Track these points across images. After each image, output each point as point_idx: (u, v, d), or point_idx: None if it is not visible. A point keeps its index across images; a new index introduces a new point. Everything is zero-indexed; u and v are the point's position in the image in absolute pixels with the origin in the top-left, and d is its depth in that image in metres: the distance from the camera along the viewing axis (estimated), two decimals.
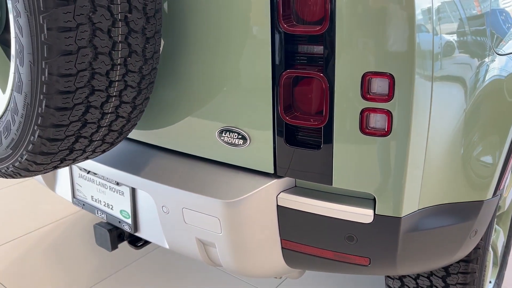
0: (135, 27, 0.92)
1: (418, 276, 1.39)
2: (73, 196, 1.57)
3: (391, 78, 0.90)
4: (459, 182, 1.09)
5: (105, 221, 1.51)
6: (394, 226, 1.02)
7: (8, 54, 1.05)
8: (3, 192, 2.80)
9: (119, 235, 1.55)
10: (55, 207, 2.60)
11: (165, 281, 1.97)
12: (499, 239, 1.72)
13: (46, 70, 0.83)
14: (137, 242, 1.59)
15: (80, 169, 1.47)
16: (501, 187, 1.19)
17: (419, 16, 0.86)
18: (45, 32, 0.80)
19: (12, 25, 0.86)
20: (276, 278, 1.57)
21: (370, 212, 1.02)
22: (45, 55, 0.82)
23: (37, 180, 1.70)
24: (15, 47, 0.87)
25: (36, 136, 0.92)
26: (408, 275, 1.41)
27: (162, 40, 1.12)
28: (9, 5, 0.85)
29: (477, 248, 1.28)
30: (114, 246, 1.54)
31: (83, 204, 1.54)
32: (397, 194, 0.99)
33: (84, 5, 0.81)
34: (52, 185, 1.66)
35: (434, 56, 0.92)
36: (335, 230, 1.07)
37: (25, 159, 0.98)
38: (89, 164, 1.39)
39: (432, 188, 1.05)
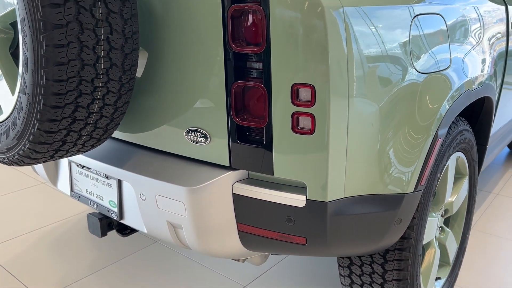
0: (115, 45, 1.18)
1: (362, 263, 1.59)
2: (71, 190, 1.82)
3: (312, 88, 1.14)
4: (381, 177, 1.31)
5: (97, 212, 1.76)
6: (322, 210, 1.24)
7: (17, 65, 1.32)
8: (13, 195, 3.08)
9: (108, 224, 1.80)
10: (58, 209, 2.87)
11: (155, 275, 2.20)
12: (448, 239, 1.90)
13: (44, 76, 1.10)
14: (123, 230, 1.83)
15: (77, 166, 1.73)
16: (422, 183, 1.40)
17: (331, 40, 1.10)
18: (44, 48, 1.07)
19: (20, 42, 1.13)
20: (238, 261, 1.77)
21: (302, 197, 1.25)
22: (43, 65, 1.09)
23: (43, 177, 1.96)
24: (22, 59, 1.14)
25: (35, 128, 1.18)
26: (354, 263, 1.61)
27: (140, 55, 1.38)
28: (19, 27, 1.12)
29: (409, 238, 1.49)
30: (103, 233, 1.79)
31: (79, 197, 1.79)
32: (322, 182, 1.21)
33: (74, 28, 1.08)
34: (54, 180, 1.92)
35: (349, 70, 1.15)
36: (277, 213, 1.30)
37: (27, 147, 1.24)
38: (84, 159, 1.65)
39: (356, 180, 1.27)
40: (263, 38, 1.16)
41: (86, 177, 1.72)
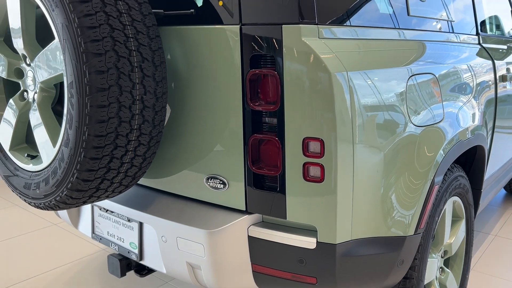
0: (148, 104, 1.34)
1: None
2: (93, 232, 1.94)
3: (321, 142, 1.29)
4: (384, 220, 1.44)
5: (117, 252, 1.87)
6: (332, 251, 1.36)
7: (58, 121, 1.48)
8: (25, 237, 3.18)
9: (127, 264, 1.91)
10: (71, 250, 2.96)
11: None
12: (448, 280, 2.00)
13: (86, 132, 1.25)
14: (141, 271, 1.93)
15: (100, 209, 1.86)
16: (422, 226, 1.53)
17: (338, 101, 1.27)
18: (88, 108, 1.23)
19: (66, 102, 1.29)
20: None
21: (313, 240, 1.37)
22: (87, 122, 1.24)
23: (65, 219, 2.08)
24: (67, 116, 1.29)
25: (74, 177, 1.32)
26: None
27: (167, 110, 1.54)
28: (65, 90, 1.28)
29: (411, 278, 1.60)
30: (123, 274, 1.89)
31: (100, 238, 1.91)
32: (332, 225, 1.34)
33: (114, 91, 1.25)
34: (76, 223, 2.04)
35: (353, 127, 1.31)
36: (290, 254, 1.42)
37: (65, 194, 1.37)
38: (107, 203, 1.78)
39: (362, 223, 1.40)
40: (277, 98, 1.32)
41: (108, 220, 1.85)
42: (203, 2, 1.44)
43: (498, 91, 2.29)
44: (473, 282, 2.60)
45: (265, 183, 1.43)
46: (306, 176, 1.34)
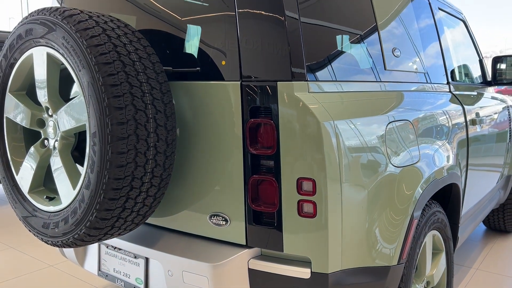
0: (160, 150, 1.52)
1: None
2: (99, 269, 2.06)
3: (313, 181, 1.48)
4: (370, 252, 1.61)
5: None
6: (324, 280, 1.52)
7: (77, 161, 1.64)
8: (23, 278, 3.23)
9: None
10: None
11: None
12: None
13: (107, 176, 1.42)
14: None
15: (107, 247, 1.99)
16: (404, 257, 1.70)
17: (326, 146, 1.46)
18: (109, 155, 1.40)
19: (88, 149, 1.47)
20: None
21: (308, 270, 1.53)
22: (107, 167, 1.41)
23: (71, 259, 2.20)
24: (89, 162, 1.46)
25: (93, 216, 1.48)
26: None
27: (175, 157, 1.72)
28: (88, 138, 1.46)
29: None
30: None
31: (106, 275, 2.02)
32: (324, 257, 1.51)
33: (132, 139, 1.43)
34: (82, 261, 2.15)
35: (340, 168, 1.50)
36: (286, 284, 1.57)
37: (83, 232, 1.52)
38: (115, 241, 1.91)
39: (350, 255, 1.57)
40: (274, 144, 1.52)
41: (115, 257, 1.98)
42: (208, 61, 1.66)
43: (469, 133, 2.53)
44: None
45: (263, 219, 1.60)
46: (300, 212, 1.51)
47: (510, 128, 3.61)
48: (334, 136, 1.50)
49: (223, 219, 1.66)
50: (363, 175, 1.59)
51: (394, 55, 2.02)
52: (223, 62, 1.60)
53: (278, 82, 1.50)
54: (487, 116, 2.96)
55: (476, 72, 3.35)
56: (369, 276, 1.61)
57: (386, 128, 1.72)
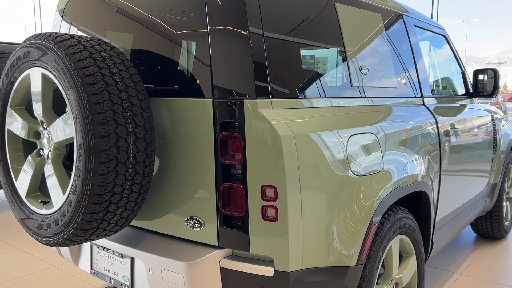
0: (139, 160, 1.71)
1: None
2: (91, 267, 2.25)
3: (275, 188, 1.65)
4: (329, 253, 1.78)
5: (112, 286, 2.17)
6: (286, 278, 1.68)
7: (67, 173, 1.83)
8: (28, 277, 3.44)
9: None
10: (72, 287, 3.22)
11: None
12: None
13: (91, 183, 1.61)
14: None
15: (98, 247, 2.18)
16: (363, 258, 1.86)
17: (286, 157, 1.63)
18: (93, 164, 1.59)
19: (75, 159, 1.66)
20: None
21: (271, 269, 1.70)
22: (91, 175, 1.60)
23: (67, 258, 2.39)
24: (75, 170, 1.65)
25: (80, 218, 1.67)
26: None
27: (154, 167, 1.91)
28: (75, 149, 1.65)
29: None
30: None
31: (97, 273, 2.21)
32: (285, 256, 1.67)
33: (113, 151, 1.61)
34: (76, 261, 2.34)
35: (300, 177, 1.67)
36: (253, 282, 1.73)
37: (71, 233, 1.71)
38: (105, 242, 2.10)
39: (311, 255, 1.73)
40: (241, 154, 1.70)
41: (105, 257, 2.16)
42: (185, 80, 1.85)
43: (442, 144, 2.67)
44: None
45: (233, 222, 1.77)
46: (264, 216, 1.68)
47: (495, 138, 3.73)
48: (294, 148, 1.67)
49: (198, 222, 1.84)
50: (322, 183, 1.75)
51: (362, 72, 2.18)
52: (198, 81, 1.79)
53: (244, 100, 1.68)
54: (465, 127, 3.10)
55: (458, 85, 3.49)
56: (328, 275, 1.77)
57: (347, 140, 1.89)
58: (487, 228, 4.19)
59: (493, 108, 4.00)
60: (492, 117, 3.76)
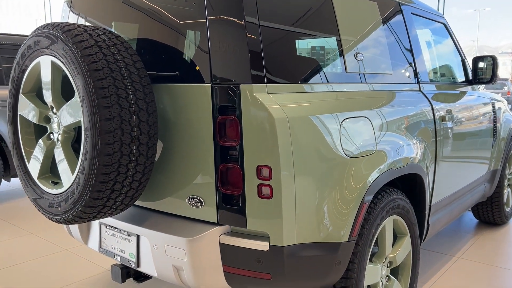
0: (143, 141, 1.81)
1: None
2: (100, 246, 2.37)
3: (270, 168, 1.75)
4: (322, 229, 1.88)
5: (119, 263, 2.30)
6: (280, 252, 1.79)
7: (76, 155, 1.95)
8: (41, 260, 3.60)
9: (127, 272, 2.33)
10: (79, 271, 3.38)
11: None
12: (393, 287, 2.39)
13: (97, 163, 1.72)
14: (139, 278, 2.36)
15: (106, 227, 2.30)
16: (354, 235, 1.95)
17: (280, 138, 1.73)
18: (99, 145, 1.71)
19: (83, 141, 1.77)
20: None
21: (266, 244, 1.80)
22: (98, 156, 1.72)
23: (77, 238, 2.52)
24: (83, 151, 1.77)
25: (87, 196, 1.79)
26: None
27: (157, 148, 2.02)
28: (82, 132, 1.77)
29: (350, 278, 2.01)
30: (123, 280, 2.32)
31: (106, 251, 2.34)
32: (279, 232, 1.78)
33: (118, 133, 1.72)
34: (86, 240, 2.48)
35: (294, 157, 1.77)
36: (250, 256, 1.84)
37: (80, 210, 1.83)
38: (112, 221, 2.22)
39: (304, 231, 1.84)
40: (238, 136, 1.80)
41: (112, 235, 2.29)
42: (185, 67, 1.95)
43: (438, 129, 2.75)
44: None
45: (231, 200, 1.88)
46: (259, 194, 1.79)
47: (495, 124, 3.79)
48: (288, 130, 1.76)
49: (199, 201, 1.95)
50: (315, 163, 1.85)
51: (357, 59, 2.26)
52: (197, 67, 1.89)
53: (240, 85, 1.78)
54: (463, 113, 3.16)
55: (457, 72, 3.54)
56: (321, 250, 1.88)
57: (340, 124, 1.98)
58: (488, 214, 4.26)
59: (495, 96, 4.04)
60: (493, 104, 3.81)
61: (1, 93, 5.19)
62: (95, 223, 2.40)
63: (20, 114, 2.14)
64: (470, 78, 3.58)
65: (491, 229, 4.33)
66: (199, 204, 1.95)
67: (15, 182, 6.41)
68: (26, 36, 5.61)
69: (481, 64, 3.45)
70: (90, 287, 3.10)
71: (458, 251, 3.77)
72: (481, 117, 3.50)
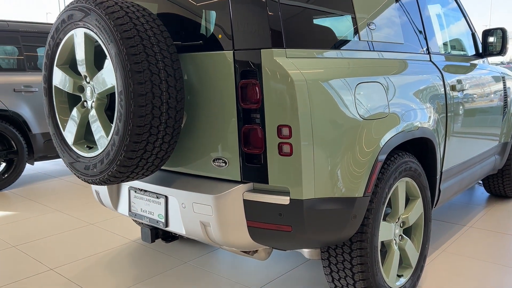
0: (171, 105, 1.96)
1: (336, 255, 2.23)
2: (129, 210, 2.54)
3: (289, 127, 1.89)
4: (339, 185, 2.01)
5: (148, 224, 2.46)
6: (300, 205, 1.93)
7: (109, 119, 2.11)
8: (69, 233, 3.80)
9: (156, 233, 2.50)
10: (105, 242, 3.56)
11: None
12: (407, 246, 2.52)
13: (131, 124, 1.88)
14: (167, 238, 2.52)
15: (135, 191, 2.47)
16: (369, 191, 2.09)
17: (299, 99, 1.86)
18: (132, 107, 1.86)
19: (117, 105, 1.92)
20: (249, 254, 2.41)
21: (287, 198, 1.95)
22: (131, 117, 1.87)
23: (107, 205, 2.69)
24: (117, 114, 1.92)
25: (122, 156, 1.94)
26: (331, 255, 2.25)
27: (185, 112, 2.16)
28: (116, 96, 1.92)
29: (365, 233, 2.15)
30: (153, 240, 2.49)
31: (135, 215, 2.51)
32: (299, 187, 1.92)
33: (149, 96, 1.87)
34: (116, 205, 2.64)
35: (312, 116, 1.90)
36: (272, 210, 1.99)
37: (115, 170, 1.99)
38: (142, 184, 2.39)
39: (322, 186, 1.97)
40: (259, 99, 1.93)
41: (141, 199, 2.45)
42: (208, 36, 2.09)
43: (448, 97, 2.85)
44: (445, 261, 3.10)
45: (253, 159, 2.02)
46: (280, 152, 1.93)
47: (505, 98, 3.87)
48: (306, 91, 1.90)
49: (223, 161, 2.10)
50: (332, 123, 1.98)
51: (370, 28, 2.38)
52: (220, 36, 2.02)
53: (261, 50, 1.91)
54: (473, 84, 3.26)
55: (467, 45, 3.62)
56: (338, 204, 2.01)
57: (355, 87, 2.10)
58: (499, 186, 4.35)
59: (507, 71, 4.11)
60: (503, 77, 3.88)
61: (24, 79, 5.39)
62: (124, 189, 2.56)
63: (54, 85, 2.30)
64: (481, 51, 3.66)
65: (502, 201, 4.42)
66: (224, 164, 2.10)
67: (38, 165, 6.65)
68: (47, 24, 5.80)
69: (490, 38, 3.53)
70: (116, 255, 3.28)
71: (469, 221, 3.88)
72: (491, 89, 3.59)
